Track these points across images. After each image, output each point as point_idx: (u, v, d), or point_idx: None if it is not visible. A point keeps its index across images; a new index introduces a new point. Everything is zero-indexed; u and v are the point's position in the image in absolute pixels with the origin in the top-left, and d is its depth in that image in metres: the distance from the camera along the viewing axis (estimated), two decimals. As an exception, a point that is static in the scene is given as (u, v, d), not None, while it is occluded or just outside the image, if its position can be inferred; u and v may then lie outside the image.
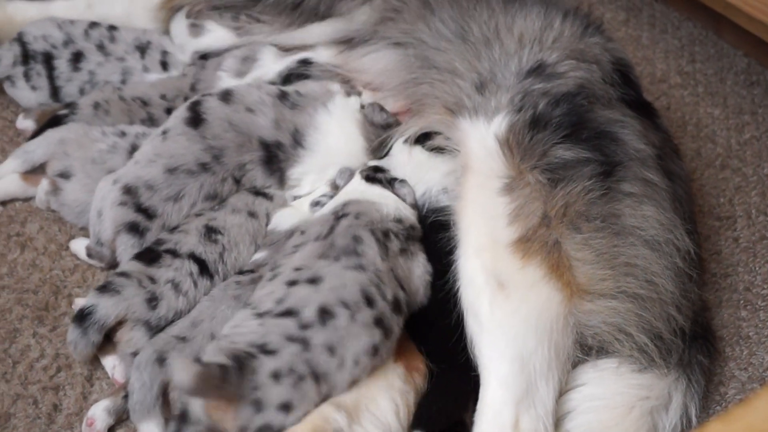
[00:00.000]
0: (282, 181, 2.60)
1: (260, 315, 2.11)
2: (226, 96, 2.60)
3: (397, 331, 2.19)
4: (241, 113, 2.56)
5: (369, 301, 2.14)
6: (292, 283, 2.17)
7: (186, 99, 2.77)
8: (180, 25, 3.02)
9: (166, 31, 3.09)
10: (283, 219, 2.52)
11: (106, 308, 2.23)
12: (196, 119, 2.54)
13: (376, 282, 2.18)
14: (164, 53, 2.98)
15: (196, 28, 2.99)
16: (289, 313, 2.10)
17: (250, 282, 2.32)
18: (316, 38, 2.95)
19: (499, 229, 2.26)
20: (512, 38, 2.59)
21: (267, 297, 2.16)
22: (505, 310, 2.17)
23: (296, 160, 2.59)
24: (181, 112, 2.57)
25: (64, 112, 2.75)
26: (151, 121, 2.77)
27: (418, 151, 2.52)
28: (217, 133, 2.52)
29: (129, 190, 2.43)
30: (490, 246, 2.25)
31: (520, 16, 2.66)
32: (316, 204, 2.53)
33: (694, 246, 2.39)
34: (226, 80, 2.83)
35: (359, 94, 2.79)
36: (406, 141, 2.56)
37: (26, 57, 2.88)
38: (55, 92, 2.90)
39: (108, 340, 2.30)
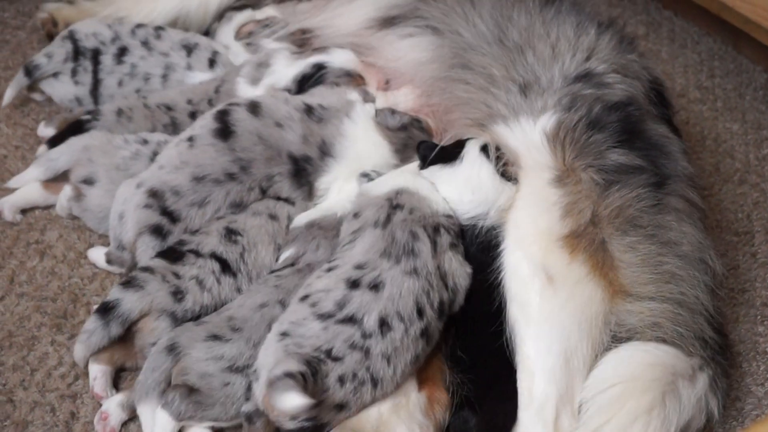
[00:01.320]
0: (310, 193, 2.62)
1: (322, 317, 2.17)
2: (255, 108, 2.61)
3: (437, 337, 2.26)
4: (271, 128, 2.58)
5: (420, 313, 2.20)
6: (353, 285, 2.22)
7: (210, 102, 2.82)
8: (236, 44, 3.10)
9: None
10: (301, 217, 2.55)
11: (131, 302, 2.25)
12: (225, 131, 2.55)
13: (427, 289, 2.23)
14: (214, 53, 3.03)
15: (252, 47, 3.06)
16: (351, 320, 2.16)
17: (295, 272, 2.38)
18: (360, 15, 3.00)
19: (552, 221, 2.30)
20: (549, 45, 2.64)
21: (326, 295, 2.21)
22: (554, 303, 2.21)
23: (325, 170, 2.61)
24: (208, 121, 2.58)
25: (86, 117, 2.78)
26: (173, 126, 2.79)
27: (490, 169, 2.47)
28: (246, 146, 2.53)
29: (155, 194, 2.44)
30: (541, 237, 2.28)
31: (555, 23, 2.70)
32: (365, 176, 2.56)
33: (722, 268, 2.44)
34: (243, 85, 2.85)
35: (373, 99, 2.81)
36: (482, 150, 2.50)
37: (77, 54, 2.93)
38: (95, 86, 2.94)
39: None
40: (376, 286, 2.22)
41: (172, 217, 2.44)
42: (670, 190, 2.40)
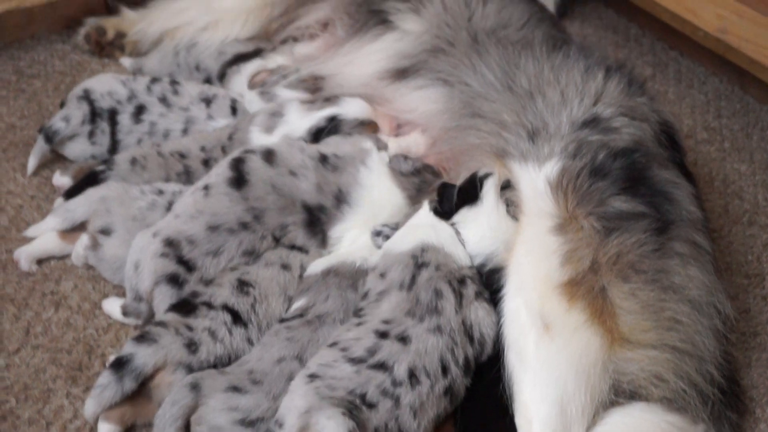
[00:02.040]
0: (324, 242, 2.63)
1: (354, 361, 2.19)
2: (270, 157, 2.64)
3: (461, 396, 2.29)
4: (285, 176, 2.61)
5: (444, 370, 2.23)
6: (382, 335, 2.25)
7: (223, 149, 2.84)
8: (250, 93, 3.11)
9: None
10: (317, 264, 2.56)
11: (145, 356, 2.26)
12: (239, 180, 2.58)
13: (451, 346, 2.26)
14: (233, 100, 3.05)
15: (266, 96, 3.08)
16: (383, 366, 2.19)
17: (305, 324, 2.38)
18: (372, 65, 3.05)
19: (551, 269, 2.31)
20: (558, 91, 2.66)
21: (356, 342, 2.24)
22: (550, 351, 2.21)
23: (340, 218, 2.64)
24: (224, 170, 2.61)
25: (101, 168, 2.80)
26: (187, 174, 2.82)
27: (503, 209, 2.51)
28: (259, 195, 2.57)
29: (171, 243, 2.47)
30: (539, 285, 2.29)
31: (564, 68, 2.73)
32: (378, 234, 2.58)
33: (733, 311, 2.44)
34: (256, 134, 2.87)
35: (386, 147, 2.83)
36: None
37: (94, 115, 2.94)
38: (114, 146, 2.96)
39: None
40: (403, 339, 2.25)
41: (188, 266, 2.47)
42: (674, 235, 2.40)
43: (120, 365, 2.25)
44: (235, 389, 2.20)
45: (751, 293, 2.87)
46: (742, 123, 3.53)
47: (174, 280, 2.45)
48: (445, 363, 2.24)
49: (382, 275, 2.41)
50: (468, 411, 2.31)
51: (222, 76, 3.24)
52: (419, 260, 2.40)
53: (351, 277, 2.50)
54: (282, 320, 2.43)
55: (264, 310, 2.46)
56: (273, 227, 2.56)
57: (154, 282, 2.45)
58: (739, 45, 3.34)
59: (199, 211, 2.53)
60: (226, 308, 2.40)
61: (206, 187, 2.57)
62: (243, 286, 2.46)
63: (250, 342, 2.40)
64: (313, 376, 2.16)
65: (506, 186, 2.54)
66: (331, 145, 2.77)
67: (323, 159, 2.67)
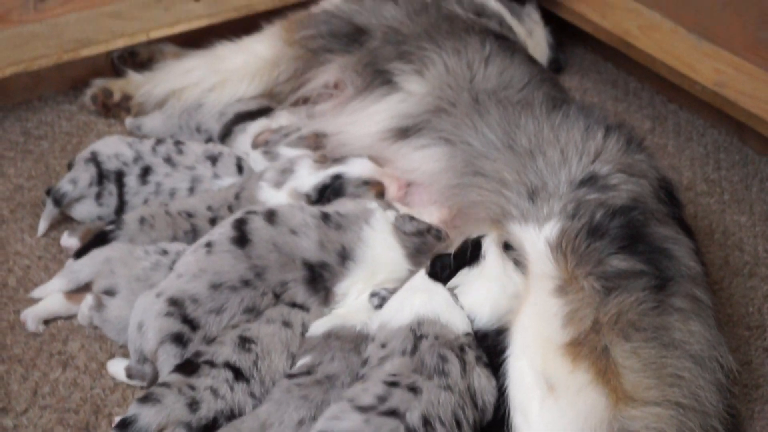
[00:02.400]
0: (327, 299, 2.64)
1: (363, 409, 2.17)
2: (271, 216, 2.66)
3: None
4: (285, 235, 2.62)
5: (458, 424, 2.22)
6: (392, 384, 2.24)
7: (230, 207, 2.86)
8: (253, 153, 3.14)
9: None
10: (318, 325, 2.56)
11: (149, 417, 2.26)
12: (242, 239, 2.60)
13: (462, 405, 2.26)
14: (239, 158, 3.09)
15: (270, 155, 3.11)
16: (394, 413, 2.17)
17: (315, 384, 2.37)
18: (376, 124, 3.08)
19: (553, 331, 2.32)
20: (558, 150, 2.68)
21: (364, 392, 2.23)
22: (554, 412, 2.21)
23: (345, 275, 2.64)
24: (227, 229, 2.63)
25: (110, 228, 2.82)
26: (194, 233, 2.83)
27: (512, 270, 2.51)
28: (261, 253, 2.58)
29: (175, 302, 2.48)
30: (542, 346, 2.30)
31: (564, 128, 2.75)
32: (374, 295, 2.59)
33: (735, 364, 2.44)
34: (265, 190, 2.90)
35: (396, 210, 2.86)
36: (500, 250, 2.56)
37: (101, 177, 2.96)
38: (121, 207, 2.98)
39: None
40: (414, 389, 2.23)
41: (192, 324, 2.48)
42: (673, 291, 2.40)
43: (125, 426, 2.26)
44: None
45: (753, 345, 2.87)
46: (741, 174, 3.54)
47: (179, 339, 2.46)
48: (458, 418, 2.23)
49: (383, 346, 2.41)
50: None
51: (224, 137, 3.27)
52: (417, 333, 2.39)
53: (353, 341, 2.50)
54: (290, 376, 2.42)
55: (266, 366, 2.45)
56: (274, 284, 2.58)
57: (159, 341, 2.46)
58: (737, 98, 3.38)
59: (201, 269, 2.54)
60: (228, 366, 2.40)
61: (209, 245, 2.59)
62: (245, 342, 2.47)
63: (252, 396, 2.39)
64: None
65: (508, 246, 2.56)
66: (335, 204, 2.80)
67: (325, 217, 2.69)
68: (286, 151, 3.11)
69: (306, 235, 2.64)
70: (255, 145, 3.17)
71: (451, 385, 2.27)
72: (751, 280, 3.09)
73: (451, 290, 2.51)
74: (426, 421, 2.17)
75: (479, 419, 2.32)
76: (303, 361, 2.46)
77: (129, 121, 3.42)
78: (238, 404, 2.38)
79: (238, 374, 2.41)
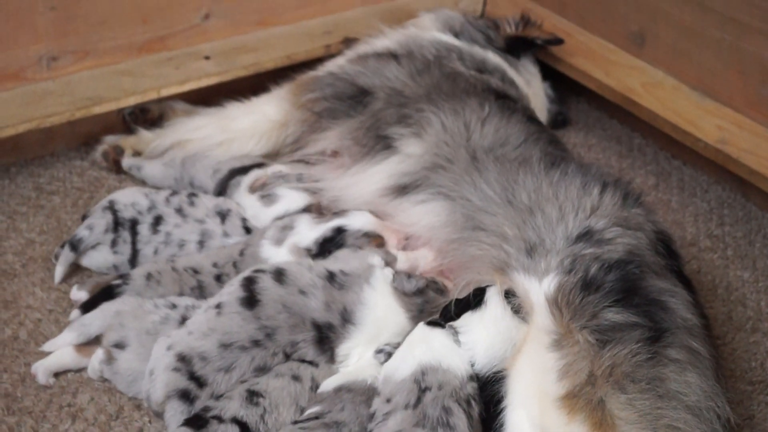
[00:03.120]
0: (332, 358, 2.67)
1: None
2: (280, 276, 2.69)
3: None
4: (295, 296, 2.65)
5: None
6: None
7: (235, 264, 2.89)
8: (249, 201, 3.18)
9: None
10: (329, 382, 2.58)
11: None
12: (251, 300, 2.63)
13: None
14: (243, 219, 3.11)
15: (268, 198, 3.15)
16: None
17: (323, 426, 2.40)
18: (375, 184, 3.12)
19: (548, 384, 2.34)
20: (557, 206, 2.72)
21: None
22: None
23: (346, 337, 2.66)
24: (236, 289, 2.67)
25: (116, 282, 2.85)
26: (200, 289, 2.87)
27: (510, 316, 2.55)
28: (271, 314, 2.62)
29: (183, 359, 2.53)
30: (539, 399, 2.32)
31: (562, 185, 2.79)
32: (380, 352, 2.61)
33: (734, 416, 2.46)
34: (267, 247, 2.93)
35: (394, 260, 2.88)
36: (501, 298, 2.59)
37: (116, 225, 3.01)
38: (134, 255, 3.02)
39: None
40: None
41: (200, 382, 2.52)
42: (669, 343, 2.42)
43: None
44: None
45: (755, 399, 2.88)
46: (744, 230, 3.56)
47: (185, 396, 2.50)
48: None
49: (388, 400, 2.43)
50: None
51: (219, 194, 3.29)
52: (422, 385, 2.42)
53: (364, 393, 2.52)
54: (295, 422, 2.44)
55: (274, 419, 2.48)
56: (284, 344, 2.61)
57: (165, 395, 2.50)
58: (739, 155, 3.40)
59: (211, 329, 2.58)
60: (236, 421, 2.43)
61: (218, 306, 2.62)
62: (253, 396, 2.50)
63: None
64: None
65: (511, 294, 2.58)
66: (339, 260, 2.81)
67: (331, 277, 2.71)
68: (284, 192, 3.15)
69: (314, 296, 2.66)
70: (252, 190, 3.19)
71: None
72: (754, 335, 3.10)
73: (453, 329, 2.54)
74: None
75: None
76: (312, 410, 2.48)
77: (127, 160, 3.46)
78: None
79: (245, 429, 2.44)
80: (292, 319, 2.62)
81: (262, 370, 2.58)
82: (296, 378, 2.58)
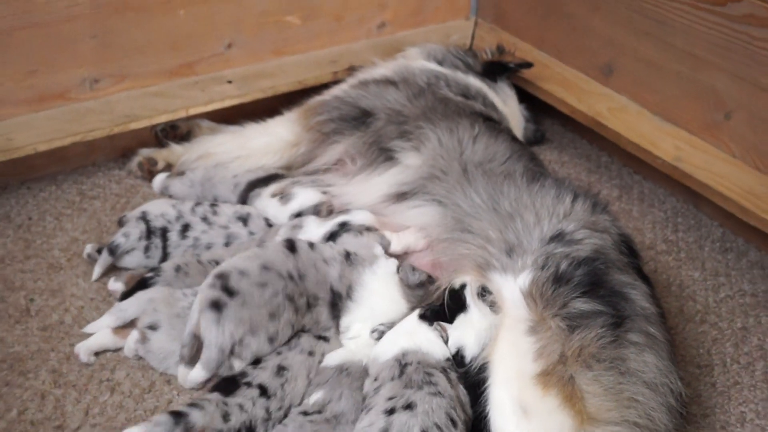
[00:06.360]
0: (338, 329, 2.72)
1: None
2: (312, 245, 2.75)
3: None
4: (320, 262, 2.71)
5: (453, 423, 2.30)
6: (390, 412, 2.30)
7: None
8: (270, 203, 3.22)
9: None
10: (332, 357, 2.64)
11: (196, 417, 2.36)
12: (292, 248, 2.70)
13: (453, 406, 2.33)
14: (266, 219, 3.14)
15: (285, 197, 3.18)
16: None
17: (324, 422, 2.43)
18: (377, 192, 3.15)
19: (526, 364, 2.38)
20: (534, 213, 2.75)
21: (369, 428, 2.27)
22: None
23: (347, 311, 2.72)
24: (279, 241, 2.74)
25: (149, 275, 2.88)
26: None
27: (488, 312, 2.58)
28: (304, 263, 2.68)
29: (221, 276, 2.58)
30: (517, 377, 2.36)
31: (540, 195, 2.82)
32: (374, 331, 2.66)
33: (685, 390, 2.50)
34: None
35: (389, 243, 2.92)
36: (478, 295, 2.62)
37: (149, 233, 3.05)
38: (164, 258, 3.04)
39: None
40: (409, 406, 2.30)
41: (230, 292, 2.55)
42: (629, 328, 2.45)
43: (179, 415, 2.35)
44: None
45: (702, 381, 2.91)
46: (695, 236, 3.58)
47: (215, 306, 2.53)
48: (452, 417, 2.30)
49: (376, 379, 2.48)
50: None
51: (243, 202, 3.30)
52: (402, 362, 2.46)
53: (360, 377, 2.55)
54: (304, 413, 2.47)
55: (291, 388, 2.54)
56: (310, 293, 2.65)
57: (199, 312, 2.52)
58: (693, 171, 3.42)
59: (256, 255, 2.64)
60: (260, 386, 2.49)
61: (262, 245, 2.69)
62: (281, 370, 2.56)
63: (267, 411, 2.47)
64: None
65: (486, 290, 2.62)
66: (354, 245, 2.86)
67: (347, 256, 2.76)
68: (298, 190, 3.18)
69: (334, 267, 2.71)
70: (273, 195, 3.21)
71: (441, 391, 2.35)
72: (702, 326, 3.13)
73: (440, 327, 2.58)
74: None
75: (469, 424, 2.38)
76: (316, 398, 2.51)
77: (157, 183, 3.46)
78: (253, 416, 2.45)
79: (263, 392, 2.50)
80: (317, 277, 2.68)
81: (291, 300, 2.61)
82: (311, 354, 2.63)
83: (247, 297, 2.55)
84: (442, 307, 2.65)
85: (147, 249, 3.04)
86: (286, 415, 2.52)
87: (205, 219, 3.10)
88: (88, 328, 2.83)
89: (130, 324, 2.75)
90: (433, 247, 2.94)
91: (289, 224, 3.05)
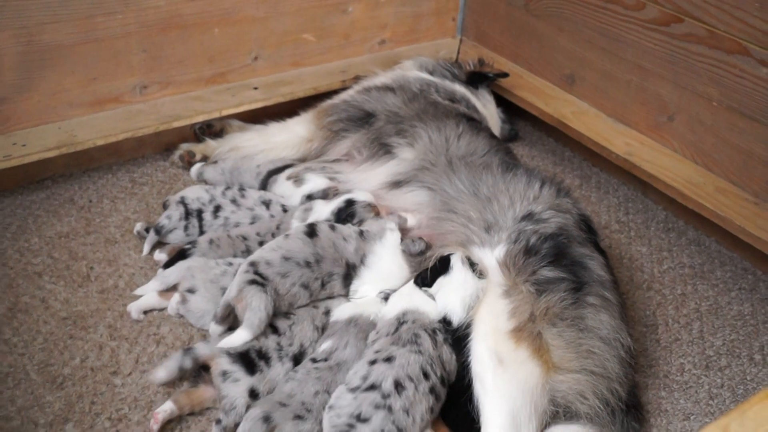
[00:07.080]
0: (348, 292, 2.70)
1: (353, 390, 2.21)
2: (332, 227, 2.73)
3: (443, 397, 2.33)
4: (340, 240, 2.68)
5: (425, 375, 2.27)
6: (372, 362, 2.29)
7: (273, 234, 2.90)
8: (285, 185, 3.19)
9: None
10: (341, 311, 2.60)
11: (200, 349, 2.42)
12: (312, 233, 2.67)
13: (429, 363, 2.30)
14: (283, 205, 3.10)
15: (298, 181, 3.16)
16: (372, 387, 2.21)
17: (328, 369, 2.40)
18: (378, 180, 3.12)
19: (501, 322, 2.37)
20: (508, 197, 2.74)
21: (354, 375, 2.27)
22: (503, 378, 2.26)
23: (358, 275, 2.69)
24: (301, 227, 2.68)
25: (188, 246, 2.85)
26: (248, 252, 2.83)
27: (471, 276, 2.53)
28: (324, 245, 2.64)
29: (253, 264, 2.55)
30: (494, 333, 2.35)
31: (513, 182, 2.81)
32: (381, 293, 2.63)
33: (633, 344, 2.50)
34: (296, 223, 2.92)
35: (405, 221, 2.90)
36: (464, 264, 2.58)
37: (187, 215, 3.01)
38: (201, 234, 3.00)
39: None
40: (389, 359, 2.28)
41: (263, 277, 2.52)
42: (587, 292, 2.46)
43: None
44: (298, 417, 2.25)
45: (649, 338, 2.92)
46: (643, 218, 3.58)
47: (254, 282, 2.49)
48: (425, 371, 2.27)
49: (377, 332, 2.47)
50: (450, 424, 2.37)
51: (263, 188, 3.28)
52: (401, 320, 2.45)
53: (366, 329, 2.52)
54: (313, 360, 2.43)
55: (299, 330, 2.52)
56: (324, 273, 2.61)
57: (238, 289, 2.49)
58: (641, 164, 3.41)
59: (279, 246, 2.59)
60: (272, 326, 2.50)
61: (287, 235, 2.66)
62: (288, 314, 2.55)
63: (278, 345, 2.46)
64: (330, 407, 2.22)
65: (473, 262, 2.59)
66: (366, 225, 2.84)
67: (361, 233, 2.74)
68: (310, 175, 3.16)
69: (350, 243, 2.68)
70: (288, 177, 3.19)
71: (421, 350, 2.32)
72: (648, 293, 3.13)
73: (431, 294, 2.56)
74: (397, 384, 2.20)
75: (447, 378, 2.37)
76: (324, 346, 2.47)
77: (194, 171, 3.43)
78: (266, 346, 2.45)
79: (275, 330, 2.50)
80: (335, 255, 2.63)
81: (306, 287, 2.58)
82: (315, 307, 2.62)
83: (274, 284, 2.52)
84: (428, 272, 2.63)
85: (186, 228, 3.00)
86: (297, 358, 2.50)
87: (234, 201, 3.06)
88: (138, 291, 2.83)
89: (173, 288, 2.74)
90: (423, 224, 2.93)
91: (301, 207, 3.03)
